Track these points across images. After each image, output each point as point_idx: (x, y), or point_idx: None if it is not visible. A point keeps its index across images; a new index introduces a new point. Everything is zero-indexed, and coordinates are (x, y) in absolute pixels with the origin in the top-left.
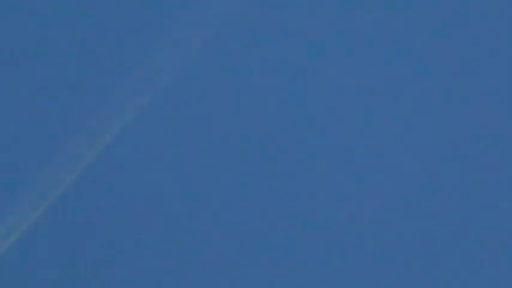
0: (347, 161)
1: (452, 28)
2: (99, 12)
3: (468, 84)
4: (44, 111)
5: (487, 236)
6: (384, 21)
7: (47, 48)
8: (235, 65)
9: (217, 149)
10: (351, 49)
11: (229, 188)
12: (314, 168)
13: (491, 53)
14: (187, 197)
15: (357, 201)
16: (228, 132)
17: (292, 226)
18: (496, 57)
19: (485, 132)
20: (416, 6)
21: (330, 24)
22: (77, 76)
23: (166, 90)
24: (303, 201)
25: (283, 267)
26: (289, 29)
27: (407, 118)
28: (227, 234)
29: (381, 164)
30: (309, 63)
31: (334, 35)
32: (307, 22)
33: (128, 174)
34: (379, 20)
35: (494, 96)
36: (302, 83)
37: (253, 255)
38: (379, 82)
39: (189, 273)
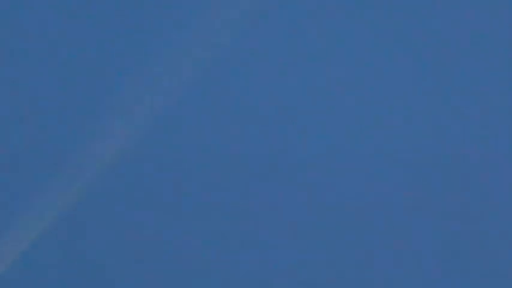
0: (361, 164)
1: (453, 30)
2: (108, 12)
3: (470, 83)
4: (57, 111)
5: (493, 233)
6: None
7: (57, 49)
8: (249, 66)
9: (231, 150)
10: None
11: (244, 191)
12: (338, 169)
13: (491, 55)
14: (202, 198)
15: (362, 201)
16: (243, 134)
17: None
18: (496, 58)
19: (487, 132)
20: (416, 7)
21: (343, 26)
22: (89, 76)
23: (180, 91)
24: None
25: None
26: (301, 31)
27: (412, 116)
28: (250, 234)
29: (385, 164)
30: (321, 64)
31: (348, 36)
32: (318, 24)
33: (141, 176)
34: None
35: (495, 97)
36: (316, 84)
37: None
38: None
39: (210, 275)
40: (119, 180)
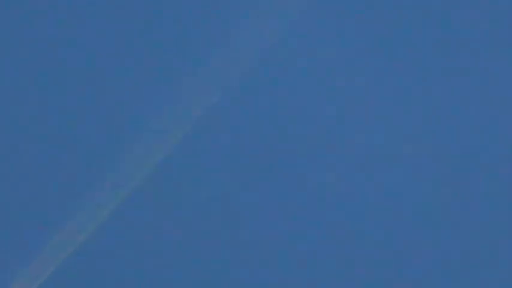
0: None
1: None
2: (166, 9)
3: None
4: (112, 109)
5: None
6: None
7: (113, 47)
8: (304, 64)
9: (286, 148)
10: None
11: (300, 188)
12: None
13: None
14: (255, 198)
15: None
16: (299, 133)
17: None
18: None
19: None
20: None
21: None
22: (145, 75)
23: (235, 89)
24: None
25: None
26: (348, 33)
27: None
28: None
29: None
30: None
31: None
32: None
33: (196, 175)
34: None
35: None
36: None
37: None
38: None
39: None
40: (185, 177)
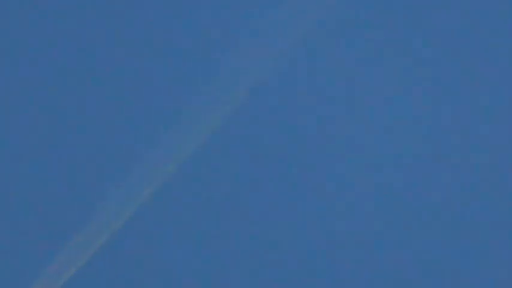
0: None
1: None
2: (190, 12)
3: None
4: (134, 109)
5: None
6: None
7: (136, 50)
8: (323, 64)
9: (311, 149)
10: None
11: (324, 188)
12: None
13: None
14: (283, 199)
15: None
16: (324, 134)
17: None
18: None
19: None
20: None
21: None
22: (170, 75)
23: (258, 91)
24: None
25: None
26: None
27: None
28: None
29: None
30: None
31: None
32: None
33: (220, 175)
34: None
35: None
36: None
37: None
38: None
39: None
40: (208, 178)
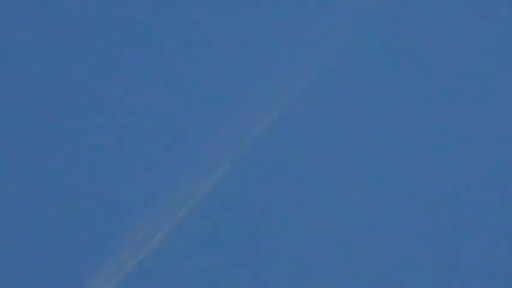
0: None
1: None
2: (229, 20)
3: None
4: (177, 120)
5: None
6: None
7: (177, 57)
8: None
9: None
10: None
11: (361, 199)
12: None
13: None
14: (320, 206)
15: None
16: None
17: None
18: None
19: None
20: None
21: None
22: (211, 87)
23: (300, 101)
24: None
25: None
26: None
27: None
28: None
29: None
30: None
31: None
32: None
33: (261, 184)
34: None
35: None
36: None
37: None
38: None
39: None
40: (251, 187)
